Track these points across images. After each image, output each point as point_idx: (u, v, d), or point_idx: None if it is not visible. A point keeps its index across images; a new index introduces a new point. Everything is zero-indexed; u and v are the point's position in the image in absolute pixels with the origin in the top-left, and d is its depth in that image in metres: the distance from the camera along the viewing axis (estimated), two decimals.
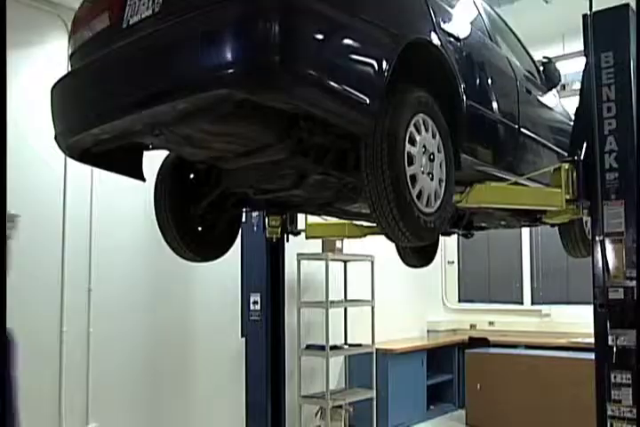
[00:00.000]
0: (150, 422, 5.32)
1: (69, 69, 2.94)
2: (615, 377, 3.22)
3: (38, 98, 3.96)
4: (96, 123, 2.59)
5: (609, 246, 3.33)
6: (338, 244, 6.77)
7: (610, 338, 3.24)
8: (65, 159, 4.64)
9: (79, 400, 4.89)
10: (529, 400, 6.88)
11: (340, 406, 6.49)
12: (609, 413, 3.23)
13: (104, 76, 2.60)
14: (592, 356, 3.43)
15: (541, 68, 4.55)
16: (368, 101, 2.37)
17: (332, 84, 2.22)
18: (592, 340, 3.43)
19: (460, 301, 9.29)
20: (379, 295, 7.02)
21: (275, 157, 2.84)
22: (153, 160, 3.31)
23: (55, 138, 2.86)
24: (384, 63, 2.44)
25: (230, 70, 2.09)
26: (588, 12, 3.54)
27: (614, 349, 3.21)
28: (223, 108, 2.24)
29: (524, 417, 6.90)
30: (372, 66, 2.41)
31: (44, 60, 4.89)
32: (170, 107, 2.30)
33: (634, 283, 3.23)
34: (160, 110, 2.34)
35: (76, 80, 2.80)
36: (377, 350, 6.98)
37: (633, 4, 3.54)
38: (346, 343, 6.89)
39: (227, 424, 5.50)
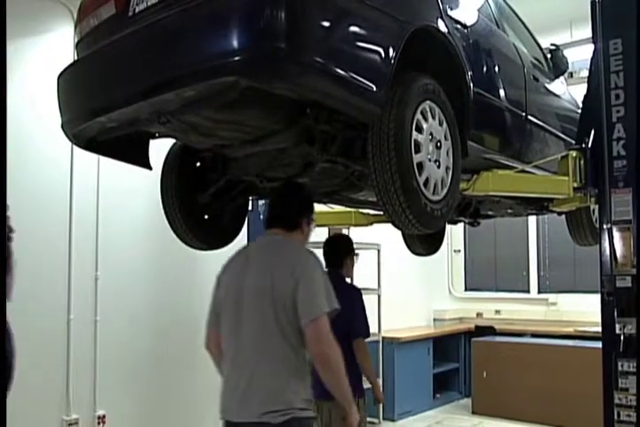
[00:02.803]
0: (158, 409, 5.35)
1: (75, 58, 2.94)
2: (622, 366, 3.21)
3: (44, 88, 3.96)
4: (102, 111, 2.59)
5: (616, 235, 3.31)
6: (344, 232, 6.75)
7: (617, 327, 3.23)
8: (71, 148, 4.65)
9: (87, 388, 4.91)
10: (535, 389, 6.88)
11: None
12: (616, 401, 3.22)
13: (110, 65, 2.60)
14: (599, 344, 3.41)
15: (549, 56, 4.53)
16: (375, 89, 2.36)
17: (339, 71, 2.21)
18: (599, 328, 3.41)
19: (466, 289, 9.27)
20: (385, 284, 7.01)
21: (281, 144, 2.84)
22: (160, 148, 3.31)
23: (62, 126, 2.87)
24: (390, 50, 2.43)
25: (237, 57, 2.08)
26: None
27: (621, 337, 3.20)
28: (229, 95, 2.23)
29: (529, 406, 6.91)
30: (378, 53, 2.40)
31: (49, 49, 4.87)
32: (176, 95, 2.30)
33: None
34: (166, 98, 2.34)
35: (82, 69, 2.80)
36: (383, 338, 6.99)
37: None
38: None
39: None
